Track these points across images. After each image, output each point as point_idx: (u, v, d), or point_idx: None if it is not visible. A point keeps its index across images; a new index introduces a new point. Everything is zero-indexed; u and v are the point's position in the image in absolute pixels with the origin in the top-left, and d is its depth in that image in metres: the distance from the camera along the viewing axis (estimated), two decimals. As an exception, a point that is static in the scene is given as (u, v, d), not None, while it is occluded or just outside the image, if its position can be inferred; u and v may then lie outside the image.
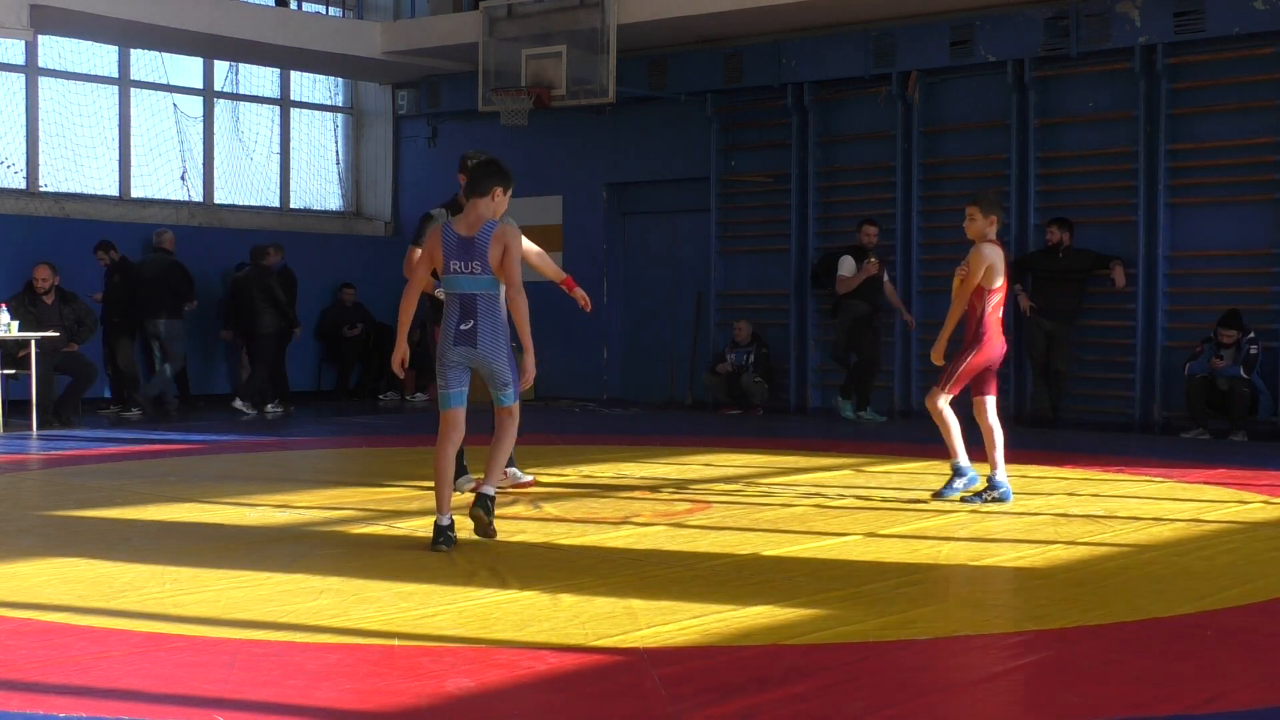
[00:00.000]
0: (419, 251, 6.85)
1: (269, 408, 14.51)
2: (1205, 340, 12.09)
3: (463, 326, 6.35)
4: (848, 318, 13.56)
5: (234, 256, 15.93)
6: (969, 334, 7.86)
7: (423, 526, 6.79)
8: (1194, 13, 12.62)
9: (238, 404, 14.60)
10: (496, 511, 6.46)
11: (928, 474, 9.16)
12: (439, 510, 6.31)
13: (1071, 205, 13.51)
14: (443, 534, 6.25)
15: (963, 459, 7.90)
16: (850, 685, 4.04)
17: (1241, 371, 11.76)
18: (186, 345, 14.84)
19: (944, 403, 7.91)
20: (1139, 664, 4.32)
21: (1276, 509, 7.63)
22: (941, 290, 14.44)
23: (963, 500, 7.75)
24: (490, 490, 6.41)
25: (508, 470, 7.65)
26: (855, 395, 13.58)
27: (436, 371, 6.52)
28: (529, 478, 8.19)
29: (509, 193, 6.48)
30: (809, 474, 9.05)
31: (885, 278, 13.70)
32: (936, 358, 8.04)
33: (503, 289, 6.35)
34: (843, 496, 8.07)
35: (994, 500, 7.70)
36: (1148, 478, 9.06)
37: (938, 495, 7.89)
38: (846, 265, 13.49)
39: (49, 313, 13.02)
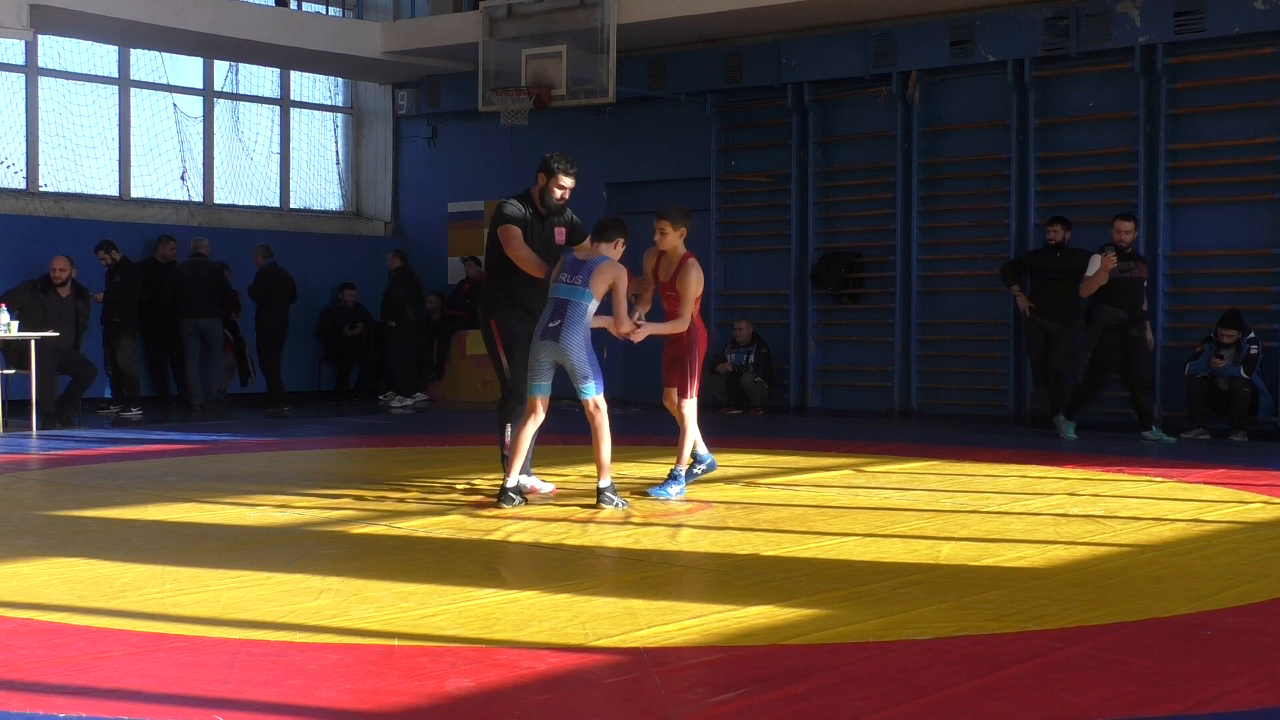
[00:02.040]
0: (516, 230, 7.82)
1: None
2: (1205, 340, 12.09)
3: (551, 324, 7.41)
4: (1099, 325, 11.70)
5: (234, 256, 15.98)
6: (686, 337, 8.08)
7: (423, 526, 6.79)
8: (1194, 13, 12.63)
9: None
10: (505, 512, 6.46)
11: (927, 474, 9.16)
12: (506, 475, 7.50)
13: (1071, 205, 13.51)
14: (505, 494, 7.42)
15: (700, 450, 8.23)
16: (850, 685, 4.04)
17: (1241, 371, 11.77)
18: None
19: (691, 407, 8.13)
20: (1139, 664, 4.31)
21: (1276, 509, 7.63)
22: (942, 290, 14.50)
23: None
24: (603, 483, 7.46)
25: (524, 479, 7.73)
26: (1067, 408, 11.97)
27: (527, 364, 7.60)
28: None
29: (624, 245, 7.66)
30: (809, 474, 9.05)
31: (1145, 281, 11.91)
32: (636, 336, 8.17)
33: (590, 303, 7.44)
34: (842, 496, 8.07)
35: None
36: (1148, 478, 9.06)
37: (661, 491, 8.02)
38: (1094, 264, 11.65)
39: (63, 305, 13.03)
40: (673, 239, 8.00)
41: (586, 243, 7.78)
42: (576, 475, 8.91)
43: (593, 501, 7.53)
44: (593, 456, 7.54)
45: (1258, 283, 12.68)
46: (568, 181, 7.94)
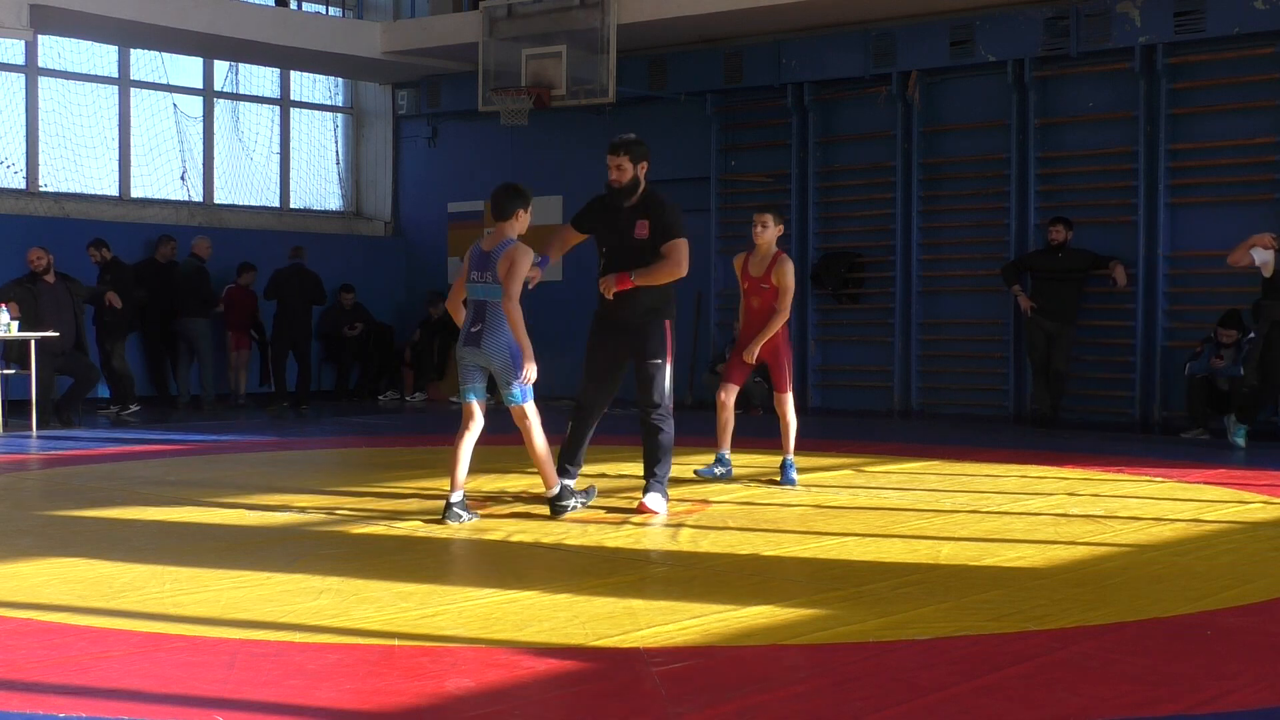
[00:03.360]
0: (559, 228, 7.80)
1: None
2: (1205, 340, 12.09)
3: (473, 329, 6.97)
4: (1265, 323, 11.03)
5: (234, 256, 16.04)
6: (779, 335, 8.68)
7: (423, 526, 6.79)
8: (1194, 13, 12.63)
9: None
10: (509, 510, 6.47)
11: (927, 474, 9.17)
12: (451, 488, 7.01)
13: (1071, 205, 13.51)
14: (449, 509, 6.93)
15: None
16: (850, 685, 4.04)
17: (1242, 371, 11.75)
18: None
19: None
20: (1139, 664, 4.32)
21: (1276, 509, 7.63)
22: (942, 290, 14.50)
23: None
24: (551, 492, 7.16)
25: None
26: (1239, 410, 11.10)
27: (587, 369, 7.45)
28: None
29: (529, 210, 7.10)
30: (809, 474, 9.05)
31: None
32: (751, 357, 8.74)
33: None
34: (842, 496, 8.07)
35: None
36: (1148, 478, 9.06)
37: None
38: (1259, 255, 10.93)
39: (54, 291, 13.02)
40: (772, 233, 8.50)
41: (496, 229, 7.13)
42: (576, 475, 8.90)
43: (595, 504, 7.52)
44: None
45: (1258, 283, 12.65)
46: (610, 160, 7.37)
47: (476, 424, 7.08)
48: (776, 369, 8.67)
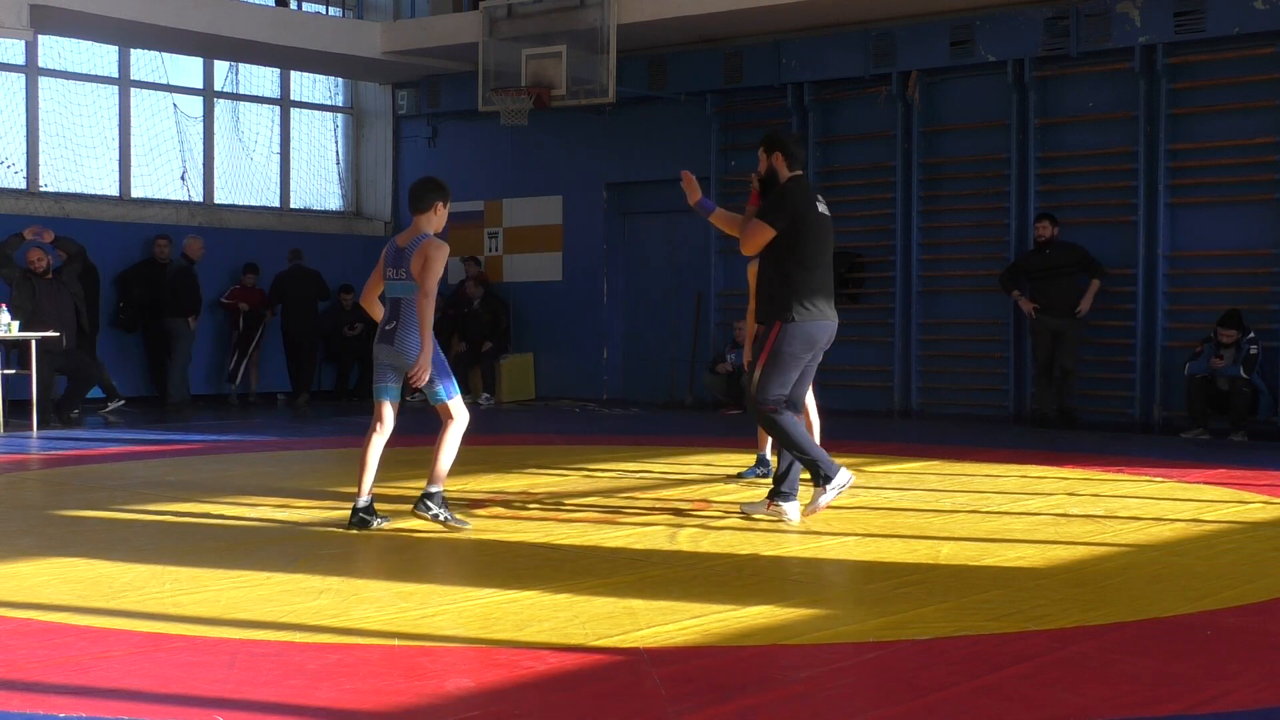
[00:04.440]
0: (770, 232, 7.10)
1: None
2: (1205, 340, 12.09)
3: (387, 327, 6.73)
4: None
5: (234, 256, 16.07)
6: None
7: (423, 526, 6.79)
8: (1194, 13, 12.63)
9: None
10: (508, 513, 6.46)
11: (927, 474, 9.16)
12: (359, 493, 6.77)
13: (1071, 205, 13.52)
14: (355, 515, 6.75)
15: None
16: (850, 685, 4.04)
17: (1241, 371, 11.76)
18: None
19: None
20: (1139, 664, 4.32)
21: (1276, 509, 7.63)
22: (942, 290, 14.50)
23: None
24: (432, 488, 6.71)
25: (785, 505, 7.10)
26: None
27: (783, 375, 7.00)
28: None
29: (448, 205, 6.86)
30: (808, 474, 9.02)
31: None
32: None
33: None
34: (842, 496, 8.06)
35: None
36: (1148, 478, 9.06)
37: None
38: None
39: (52, 290, 13.00)
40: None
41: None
42: (576, 475, 8.90)
43: (591, 501, 7.52)
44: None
45: (1258, 283, 12.67)
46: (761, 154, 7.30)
47: (386, 425, 6.80)
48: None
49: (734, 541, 6.51)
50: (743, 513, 7.25)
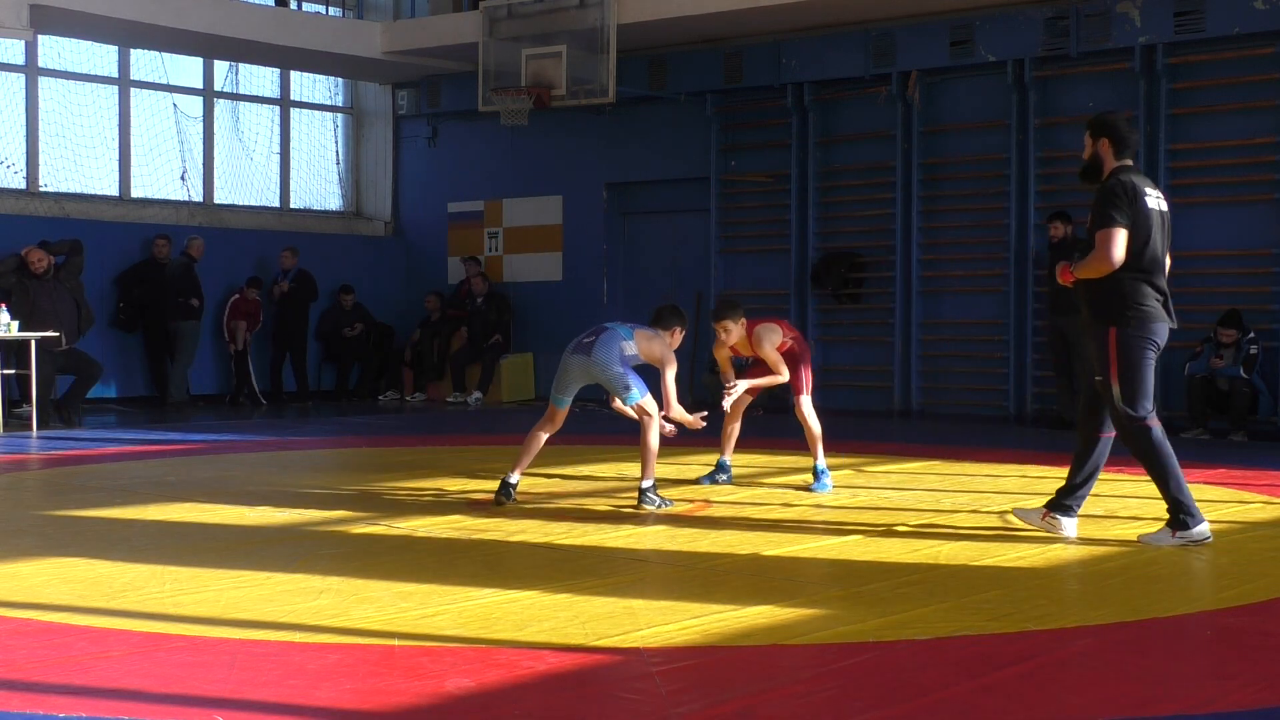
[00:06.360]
0: (1122, 233, 6.24)
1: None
2: (1205, 340, 12.09)
3: (585, 340, 7.55)
4: None
5: (234, 257, 16.09)
6: (797, 337, 8.68)
7: (422, 526, 6.79)
8: (1194, 13, 12.63)
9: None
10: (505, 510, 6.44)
11: (928, 474, 9.16)
12: (512, 470, 7.59)
13: (1071, 205, 13.49)
14: (505, 488, 7.50)
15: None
16: (850, 685, 4.04)
17: (1241, 371, 11.76)
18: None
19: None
20: (1139, 664, 4.32)
21: (1276, 509, 7.63)
22: (943, 290, 14.50)
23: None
24: (645, 484, 7.46)
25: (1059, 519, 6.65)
26: None
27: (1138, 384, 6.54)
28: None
29: (684, 332, 7.92)
30: (808, 474, 9.03)
31: None
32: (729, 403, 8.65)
33: (632, 342, 7.59)
34: (842, 496, 8.07)
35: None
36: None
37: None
38: None
39: (50, 289, 13.00)
40: (737, 333, 8.30)
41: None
42: (576, 475, 8.90)
43: (591, 501, 7.52)
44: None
45: (1258, 283, 12.68)
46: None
47: (555, 426, 7.68)
48: (793, 373, 8.34)
49: (734, 541, 6.50)
50: (1015, 514, 6.92)
